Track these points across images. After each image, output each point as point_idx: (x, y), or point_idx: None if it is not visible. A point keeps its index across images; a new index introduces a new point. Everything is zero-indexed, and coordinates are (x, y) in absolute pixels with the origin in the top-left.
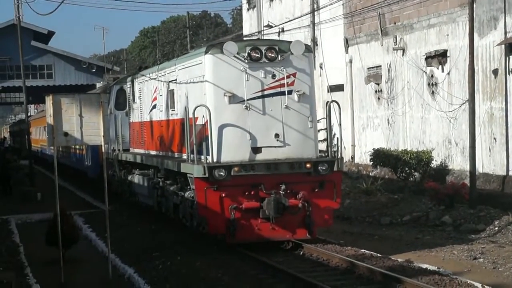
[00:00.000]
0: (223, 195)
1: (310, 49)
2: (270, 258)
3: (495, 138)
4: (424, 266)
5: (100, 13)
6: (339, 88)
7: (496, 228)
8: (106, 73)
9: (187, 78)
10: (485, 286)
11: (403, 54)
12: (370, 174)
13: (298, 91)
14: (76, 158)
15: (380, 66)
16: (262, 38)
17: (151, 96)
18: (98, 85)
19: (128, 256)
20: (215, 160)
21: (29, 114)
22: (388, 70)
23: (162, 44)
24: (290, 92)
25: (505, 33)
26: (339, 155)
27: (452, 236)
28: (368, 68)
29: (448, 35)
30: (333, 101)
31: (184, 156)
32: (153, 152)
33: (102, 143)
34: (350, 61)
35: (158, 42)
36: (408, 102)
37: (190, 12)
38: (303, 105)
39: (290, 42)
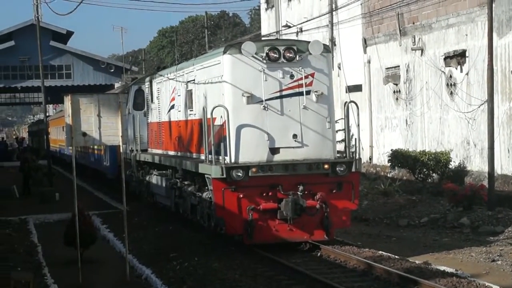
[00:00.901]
0: (241, 195)
1: (328, 49)
2: (287, 259)
3: None
4: (442, 268)
5: (118, 13)
6: (357, 88)
7: None
8: (125, 73)
9: (205, 78)
10: None
11: (421, 54)
12: (388, 175)
13: (316, 91)
14: (94, 158)
15: (399, 66)
16: (280, 38)
17: (169, 96)
18: (117, 85)
19: (146, 256)
20: (233, 160)
21: (47, 114)
22: (407, 70)
23: (180, 44)
24: (308, 93)
25: None
26: (357, 156)
27: (470, 238)
28: (387, 68)
29: (467, 35)
30: (351, 101)
31: (202, 157)
32: (171, 153)
33: (120, 143)
34: (369, 61)
35: (176, 42)
36: (427, 103)
37: (208, 12)
38: (321, 106)
39: (309, 42)
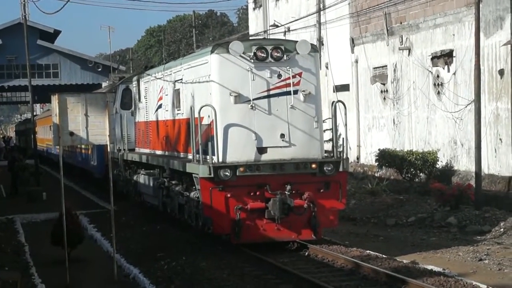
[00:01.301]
0: (229, 195)
1: (316, 49)
2: (275, 259)
3: (500, 139)
4: (429, 267)
5: (106, 12)
6: (344, 88)
7: (502, 230)
8: (112, 72)
9: (193, 78)
10: None
11: (409, 54)
12: (376, 174)
13: (304, 91)
14: (82, 158)
15: (386, 66)
16: (268, 37)
17: (156, 96)
18: (104, 84)
19: (133, 256)
20: (220, 160)
21: (35, 113)
22: (394, 70)
23: (168, 43)
24: (296, 92)
25: None
26: (345, 156)
27: (458, 238)
28: (374, 68)
29: (454, 35)
30: (338, 101)
31: (190, 156)
32: (158, 152)
33: (108, 143)
34: (356, 61)
35: (164, 41)
36: (414, 103)
37: (196, 11)
38: (309, 105)
39: (296, 41)
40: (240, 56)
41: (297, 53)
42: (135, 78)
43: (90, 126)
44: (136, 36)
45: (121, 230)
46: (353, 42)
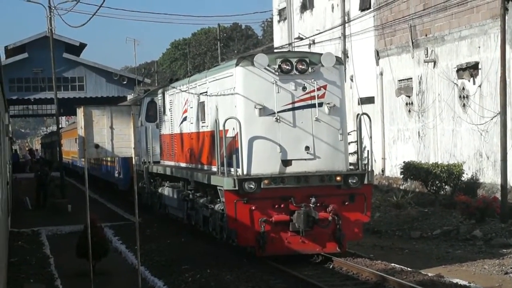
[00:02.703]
0: (253, 207)
1: (340, 61)
2: (300, 272)
3: None
4: (455, 280)
5: (131, 26)
6: (369, 100)
7: None
8: (137, 85)
9: (218, 90)
10: None
11: (434, 67)
12: (401, 187)
13: (328, 103)
14: (107, 170)
15: (411, 78)
16: (293, 50)
17: (181, 108)
18: (129, 97)
19: (158, 268)
20: (245, 172)
21: (60, 126)
22: (419, 82)
23: (193, 56)
24: (320, 105)
25: None
26: (370, 168)
27: (483, 251)
28: (399, 81)
29: (479, 47)
30: (363, 113)
31: (214, 169)
32: (183, 165)
33: (133, 155)
34: (381, 73)
35: (189, 54)
36: (439, 115)
37: (221, 24)
38: (334, 118)
39: (321, 54)
40: (265, 68)
41: (322, 66)
42: (160, 90)
43: (115, 138)
44: (161, 49)
45: (146, 243)
46: (378, 55)
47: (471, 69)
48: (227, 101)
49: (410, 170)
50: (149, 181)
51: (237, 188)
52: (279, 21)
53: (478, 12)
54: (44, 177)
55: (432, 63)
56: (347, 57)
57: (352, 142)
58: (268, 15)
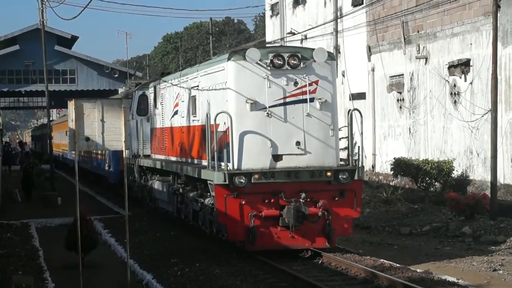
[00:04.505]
0: (243, 202)
1: (332, 57)
2: (289, 266)
3: None
4: (444, 277)
5: (123, 19)
6: (361, 96)
7: None
8: (129, 78)
9: (209, 85)
10: None
11: (425, 63)
12: (391, 183)
13: (320, 99)
14: (97, 163)
15: (403, 74)
16: (285, 45)
17: (172, 102)
18: (121, 90)
19: (147, 262)
20: (235, 167)
21: (51, 119)
22: (411, 78)
23: (184, 50)
24: (312, 100)
25: None
26: (360, 164)
27: (472, 247)
28: (391, 77)
29: (471, 44)
30: (355, 109)
31: (205, 163)
32: (173, 158)
33: (123, 149)
34: (373, 69)
35: (180, 48)
36: (430, 112)
37: (213, 19)
38: (325, 113)
39: (313, 49)
40: (257, 63)
41: (314, 61)
42: (151, 84)
43: (106, 131)
44: (153, 42)
45: (135, 236)
46: (369, 50)
47: (462, 66)
48: (219, 96)
49: (401, 166)
50: (139, 174)
51: (227, 182)
52: (271, 16)
53: (470, 9)
54: (30, 170)
55: (424, 59)
56: (339, 52)
57: (343, 137)
58: (260, 10)
